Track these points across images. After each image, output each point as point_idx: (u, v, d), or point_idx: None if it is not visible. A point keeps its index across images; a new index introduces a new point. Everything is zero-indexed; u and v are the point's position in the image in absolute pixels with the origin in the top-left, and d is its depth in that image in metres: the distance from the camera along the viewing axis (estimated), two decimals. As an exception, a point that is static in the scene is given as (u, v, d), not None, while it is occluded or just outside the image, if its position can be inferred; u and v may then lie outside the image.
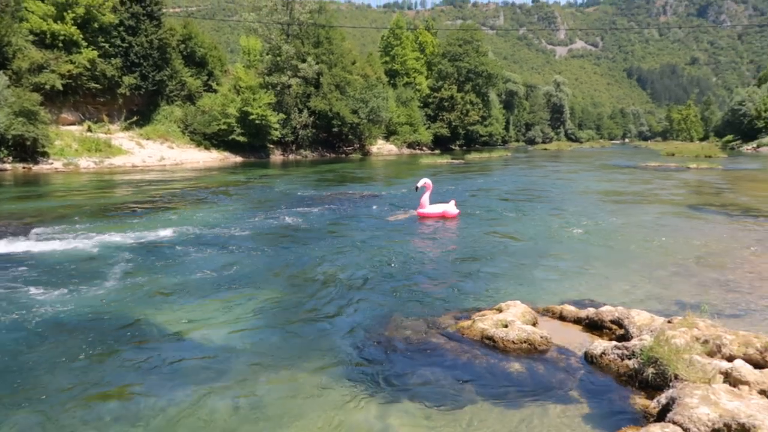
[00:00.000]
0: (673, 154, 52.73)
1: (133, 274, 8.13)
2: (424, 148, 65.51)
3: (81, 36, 33.42)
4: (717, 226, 12.58)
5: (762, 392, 4.07)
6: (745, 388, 4.11)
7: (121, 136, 35.59)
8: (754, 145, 75.75)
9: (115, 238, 10.50)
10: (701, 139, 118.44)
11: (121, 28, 36.39)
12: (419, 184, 13.99)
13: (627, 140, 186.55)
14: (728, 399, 3.82)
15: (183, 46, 43.25)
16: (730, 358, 4.67)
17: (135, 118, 38.09)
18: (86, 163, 29.89)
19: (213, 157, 39.19)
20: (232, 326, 6.18)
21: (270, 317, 6.50)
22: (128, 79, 36.66)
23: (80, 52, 33.23)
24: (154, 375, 4.96)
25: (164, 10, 41.52)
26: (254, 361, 5.28)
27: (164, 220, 12.83)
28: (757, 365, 4.52)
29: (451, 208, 14.10)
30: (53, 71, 31.59)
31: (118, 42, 36.31)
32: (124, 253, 9.37)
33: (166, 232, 11.16)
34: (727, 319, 6.17)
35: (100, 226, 11.84)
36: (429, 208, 14.13)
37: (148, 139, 36.89)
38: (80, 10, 33.24)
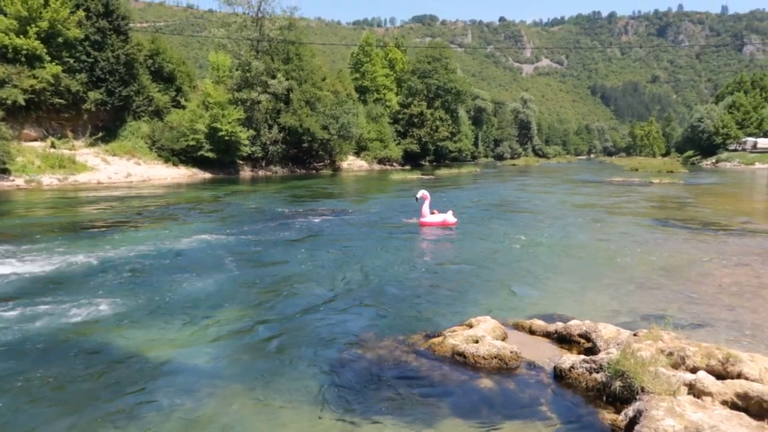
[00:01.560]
0: (636, 170, 54.11)
1: (96, 294, 7.93)
2: (395, 164, 65.88)
3: (45, 50, 32.73)
4: (679, 239, 12.91)
5: (724, 403, 4.17)
6: (709, 399, 4.20)
7: (86, 153, 34.85)
8: (713, 161, 78.29)
9: (78, 257, 10.23)
10: (663, 155, 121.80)
11: (87, 43, 35.77)
12: (418, 195, 15.20)
13: (592, 156, 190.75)
14: (692, 410, 3.90)
15: (150, 61, 42.79)
16: (694, 370, 4.78)
17: (101, 134, 37.35)
18: (49, 179, 29.16)
19: (181, 174, 38.66)
20: (201, 347, 6.07)
21: (240, 337, 6.41)
22: (94, 95, 36.00)
23: (44, 67, 32.53)
24: (118, 399, 4.83)
25: (131, 25, 41.06)
26: (224, 382, 5.19)
27: (130, 239, 12.57)
28: (720, 376, 4.63)
29: (449, 217, 15.30)
30: (15, 86, 30.82)
31: (84, 57, 35.68)
32: (88, 273, 9.14)
33: (131, 251, 10.93)
34: (691, 331, 6.32)
35: (63, 244, 11.53)
36: (430, 217, 15.25)
37: (114, 155, 36.19)
38: (44, 24, 32.62)
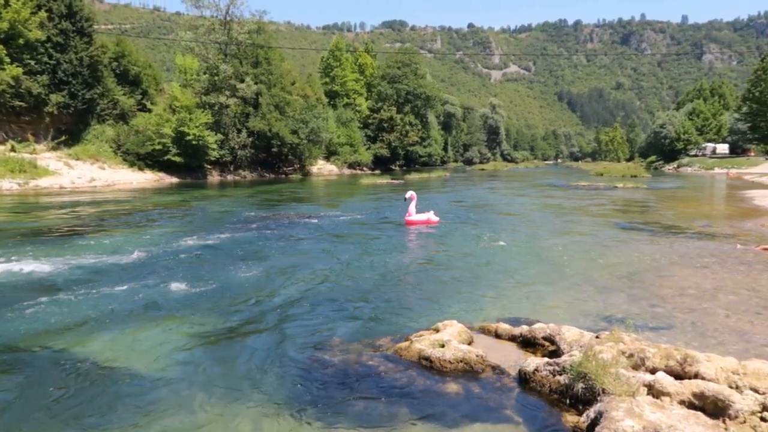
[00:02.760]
0: (601, 174, 55.27)
1: (57, 302, 7.71)
2: (365, 168, 65.93)
3: (4, 52, 31.83)
4: (642, 242, 13.22)
5: (682, 402, 4.28)
6: (667, 399, 4.31)
7: (48, 156, 33.97)
8: (675, 165, 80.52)
9: (35, 264, 9.94)
10: (627, 160, 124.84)
11: (49, 45, 34.92)
12: (406, 196, 16.62)
13: (559, 161, 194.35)
14: (651, 411, 3.99)
15: (116, 63, 42.04)
16: (653, 371, 4.89)
17: (63, 137, 36.46)
18: (9, 184, 28.31)
19: (147, 178, 37.98)
20: (165, 355, 5.96)
21: (205, 344, 6.31)
22: (56, 97, 35.14)
23: (3, 69, 31.63)
24: (79, 410, 4.70)
25: (95, 27, 40.25)
26: (189, 390, 5.10)
27: (93, 245, 12.27)
28: (678, 376, 4.75)
29: (432, 216, 16.57)
30: (-27, 88, 29.94)
31: (46, 59, 34.83)
32: (48, 280, 8.89)
33: (94, 257, 10.67)
34: (651, 333, 6.47)
35: (22, 251, 11.19)
36: (415, 216, 16.40)
37: (77, 159, 35.36)
38: (4, 26, 31.73)
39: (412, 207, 16.45)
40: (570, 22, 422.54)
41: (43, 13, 34.22)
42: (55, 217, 18.08)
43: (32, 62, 33.97)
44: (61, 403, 4.83)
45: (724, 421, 4.03)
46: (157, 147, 38.24)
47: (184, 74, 47.33)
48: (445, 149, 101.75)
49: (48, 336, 6.43)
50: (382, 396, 4.96)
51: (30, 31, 33.12)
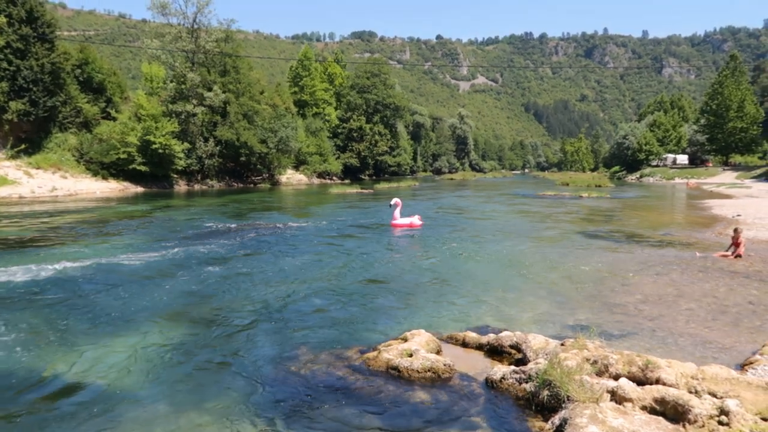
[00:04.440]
0: (567, 184, 56.34)
1: (15, 315, 7.47)
2: (334, 178, 65.87)
3: (-39, 57, 30.91)
4: (606, 251, 13.50)
5: (644, 408, 4.38)
6: (629, 404, 4.40)
7: (6, 165, 32.98)
8: (638, 176, 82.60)
9: (-4, 276, 9.63)
10: (592, 170, 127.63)
11: (8, 51, 33.99)
12: (391, 203, 18.87)
13: (527, 170, 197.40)
14: (614, 417, 4.07)
15: (79, 71, 41.14)
16: (617, 377, 4.99)
17: (23, 146, 35.45)
18: (-36, 194, 27.39)
19: (111, 188, 37.16)
20: (130, 369, 5.82)
21: (170, 357, 6.18)
22: (15, 105, 34.19)
23: (-41, 75, 30.69)
24: (42, 427, 4.56)
25: (58, 33, 39.34)
26: (154, 404, 4.99)
27: (52, 256, 11.91)
28: (640, 382, 4.86)
29: (416, 220, 18.36)
30: (-73, 94, 28.91)
31: (5, 65, 33.87)
32: (5, 293, 8.61)
33: (54, 270, 10.36)
34: (615, 340, 6.61)
35: (-22, 263, 10.82)
36: (400, 220, 18.35)
37: (38, 168, 34.42)
38: (-40, 30, 30.82)
39: (397, 212, 18.56)
40: (536, 35, 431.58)
41: (2, 18, 33.34)
42: (14, 227, 17.52)
43: (-9, 68, 33.04)
44: (18, 419, 4.67)
45: (684, 426, 4.13)
46: (122, 156, 37.49)
47: (150, 82, 46.57)
48: (414, 159, 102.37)
49: (6, 349, 6.21)
50: (350, 407, 4.94)
51: (-12, 36, 32.24)
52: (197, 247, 13.59)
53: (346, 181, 63.44)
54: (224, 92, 47.19)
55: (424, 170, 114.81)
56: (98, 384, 5.44)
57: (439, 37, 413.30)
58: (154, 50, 46.74)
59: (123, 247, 13.35)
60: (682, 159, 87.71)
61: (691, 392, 4.53)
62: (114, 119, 40.80)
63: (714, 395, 4.54)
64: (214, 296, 8.78)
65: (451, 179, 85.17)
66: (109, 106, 43.21)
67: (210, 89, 46.49)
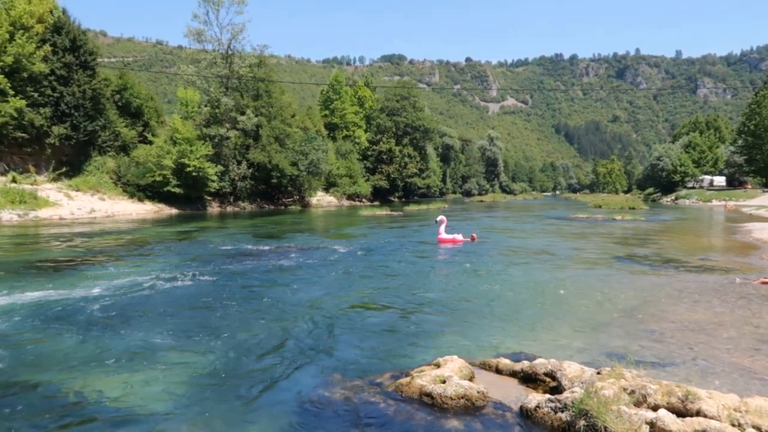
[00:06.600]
0: (600, 206, 55.51)
1: (56, 336, 7.68)
2: (364, 200, 66.23)
3: (8, 85, 32.31)
4: (641, 276, 13.23)
5: (684, 441, 4.25)
6: (670, 437, 4.28)
7: (48, 188, 34.14)
8: (673, 198, 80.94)
9: (36, 294, 9.93)
10: (625, 192, 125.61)
11: (52, 78, 35.48)
12: (437, 219, 20.74)
13: (558, 192, 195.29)
14: (654, 449, 3.97)
15: (118, 96, 42.61)
16: (655, 408, 4.87)
17: (64, 168, 36.72)
18: (9, 215, 28.38)
19: (147, 209, 38.10)
20: (166, 393, 5.91)
21: (205, 382, 6.26)
22: (58, 129, 35.53)
23: (7, 101, 32.05)
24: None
25: (99, 60, 40.89)
26: (185, 429, 5.06)
27: (92, 277, 12.25)
28: (680, 414, 4.73)
29: (458, 237, 19.96)
30: (-24, 120, 30.26)
31: (49, 91, 35.33)
32: (47, 313, 8.86)
33: (93, 290, 10.64)
34: (652, 369, 6.44)
35: (21, 284, 11.18)
36: (444, 235, 20.00)
37: (77, 190, 35.54)
38: (8, 59, 32.26)
39: (442, 228, 20.19)
40: (566, 56, 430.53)
41: (47, 47, 34.85)
42: (56, 248, 18.07)
43: (35, 95, 34.49)
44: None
45: (727, 460, 4.00)
46: (158, 178, 38.50)
47: (185, 106, 47.85)
48: (443, 181, 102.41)
49: (45, 370, 6.38)
50: (382, 433, 4.92)
51: (34, 64, 33.70)
52: (234, 267, 13.79)
53: (376, 203, 63.69)
54: (257, 116, 48.17)
55: (454, 192, 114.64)
56: (132, 405, 5.53)
57: (468, 59, 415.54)
58: (190, 75, 48.14)
59: (162, 268, 13.62)
60: (720, 180, 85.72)
61: (734, 425, 4.40)
62: (150, 143, 42.01)
63: (759, 429, 4.39)
64: (247, 320, 8.87)
65: (481, 201, 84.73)
66: (146, 130, 44.56)
67: (243, 113, 47.52)
